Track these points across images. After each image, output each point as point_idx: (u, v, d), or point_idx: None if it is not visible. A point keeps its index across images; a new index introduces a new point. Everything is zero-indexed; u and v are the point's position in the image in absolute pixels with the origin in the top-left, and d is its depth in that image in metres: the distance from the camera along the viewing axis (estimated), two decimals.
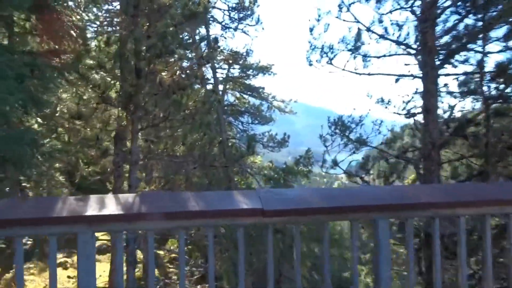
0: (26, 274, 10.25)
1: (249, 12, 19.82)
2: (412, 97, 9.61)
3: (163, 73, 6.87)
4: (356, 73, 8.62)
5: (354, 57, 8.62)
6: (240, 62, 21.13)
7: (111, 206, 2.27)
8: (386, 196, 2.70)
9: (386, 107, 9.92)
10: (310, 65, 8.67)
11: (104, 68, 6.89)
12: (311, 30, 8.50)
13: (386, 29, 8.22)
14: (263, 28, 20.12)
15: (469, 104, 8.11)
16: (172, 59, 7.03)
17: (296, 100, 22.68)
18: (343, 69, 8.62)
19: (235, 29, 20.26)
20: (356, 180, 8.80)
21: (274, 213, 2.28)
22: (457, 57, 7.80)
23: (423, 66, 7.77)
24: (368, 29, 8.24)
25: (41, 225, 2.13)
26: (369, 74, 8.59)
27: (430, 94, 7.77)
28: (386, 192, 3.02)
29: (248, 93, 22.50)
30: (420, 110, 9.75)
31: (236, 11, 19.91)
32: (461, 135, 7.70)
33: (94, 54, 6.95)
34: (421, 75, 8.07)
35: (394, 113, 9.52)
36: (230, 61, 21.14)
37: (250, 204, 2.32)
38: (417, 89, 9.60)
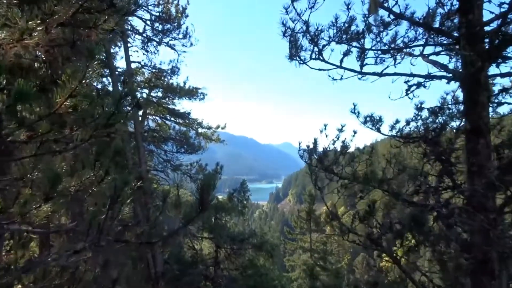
0: None
1: (175, 24, 16.05)
2: (417, 114, 6.44)
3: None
4: (361, 72, 5.26)
5: (350, 51, 5.26)
6: (164, 82, 17.14)
7: None
8: None
9: (378, 129, 6.64)
10: (292, 59, 5.17)
11: None
12: (289, 5, 5.00)
13: (407, 6, 5.04)
14: (191, 44, 16.43)
15: None
16: None
17: (225, 126, 19.01)
18: (340, 66, 5.23)
19: (159, 43, 16.37)
20: (362, 241, 5.21)
21: None
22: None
23: (467, 63, 4.63)
24: (381, 6, 4.95)
25: None
26: (379, 74, 5.25)
27: (480, 105, 4.64)
28: None
29: (172, 118, 18.45)
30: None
31: (160, 22, 16.02)
32: None
33: None
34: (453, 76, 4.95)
35: (398, 137, 6.24)
36: (152, 84, 17.11)
37: None
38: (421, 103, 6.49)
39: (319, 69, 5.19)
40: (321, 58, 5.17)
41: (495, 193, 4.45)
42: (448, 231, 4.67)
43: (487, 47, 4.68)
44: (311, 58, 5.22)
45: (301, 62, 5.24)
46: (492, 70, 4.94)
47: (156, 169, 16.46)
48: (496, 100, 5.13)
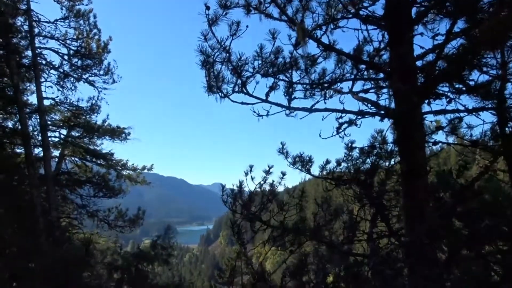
0: None
1: (96, 60, 14.86)
2: (348, 154, 5.96)
3: None
4: (288, 107, 4.62)
5: (277, 85, 4.67)
6: (82, 121, 15.63)
7: None
8: None
9: (307, 171, 6.05)
10: (212, 92, 4.38)
11: None
12: (208, 31, 4.30)
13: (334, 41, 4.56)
14: (114, 80, 15.27)
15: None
16: None
17: (152, 167, 17.66)
18: (266, 101, 4.55)
19: (78, 79, 14.99)
20: None
21: None
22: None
23: (402, 99, 4.20)
24: (310, 36, 4.41)
25: None
26: (309, 110, 4.63)
27: (416, 145, 4.18)
28: None
29: (93, 160, 16.70)
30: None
31: (79, 57, 14.75)
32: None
33: None
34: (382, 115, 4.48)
35: (329, 179, 5.67)
36: (72, 123, 15.51)
37: None
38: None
39: (242, 103, 4.49)
40: (245, 91, 4.49)
41: (439, 242, 3.92)
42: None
43: (419, 82, 4.33)
44: (233, 91, 4.51)
45: (223, 95, 4.51)
46: (424, 108, 4.56)
47: (70, 216, 14.56)
48: (432, 140, 4.74)
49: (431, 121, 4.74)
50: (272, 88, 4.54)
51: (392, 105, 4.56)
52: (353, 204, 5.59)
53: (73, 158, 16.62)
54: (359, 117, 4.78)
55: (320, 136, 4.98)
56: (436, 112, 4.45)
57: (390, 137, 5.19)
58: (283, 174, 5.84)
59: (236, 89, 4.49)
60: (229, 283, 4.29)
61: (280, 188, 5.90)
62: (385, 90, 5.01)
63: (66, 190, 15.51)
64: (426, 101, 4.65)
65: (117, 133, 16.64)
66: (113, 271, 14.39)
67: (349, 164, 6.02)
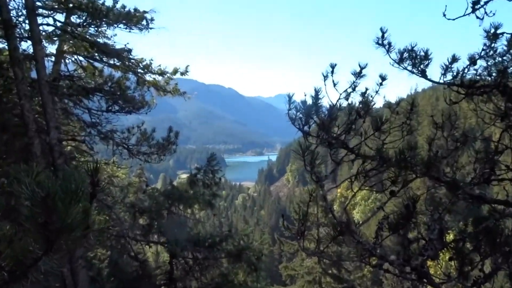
0: None
1: None
2: (490, 46, 5.62)
3: None
4: None
5: None
6: (85, 1, 15.84)
7: None
8: None
9: (422, 72, 5.81)
10: None
11: None
12: None
13: None
14: None
15: None
16: None
17: (187, 69, 17.72)
18: None
19: None
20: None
21: None
22: None
23: None
24: None
25: None
26: None
27: None
28: None
29: (103, 59, 17.04)
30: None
31: None
32: None
33: None
34: None
35: (456, 86, 5.44)
36: (70, 4, 15.75)
37: None
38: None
39: None
40: None
41: None
42: None
43: None
44: None
45: None
46: None
47: (75, 139, 15.42)
48: None
49: None
50: None
51: None
52: (492, 125, 5.37)
53: (75, 57, 17.10)
54: None
55: (444, 16, 4.66)
56: None
57: None
58: (383, 78, 5.64)
59: None
60: (299, 236, 4.41)
61: (378, 102, 5.74)
62: None
63: (69, 101, 16.12)
64: None
65: (134, 19, 16.57)
66: (138, 214, 15.45)
67: (489, 63, 5.68)
